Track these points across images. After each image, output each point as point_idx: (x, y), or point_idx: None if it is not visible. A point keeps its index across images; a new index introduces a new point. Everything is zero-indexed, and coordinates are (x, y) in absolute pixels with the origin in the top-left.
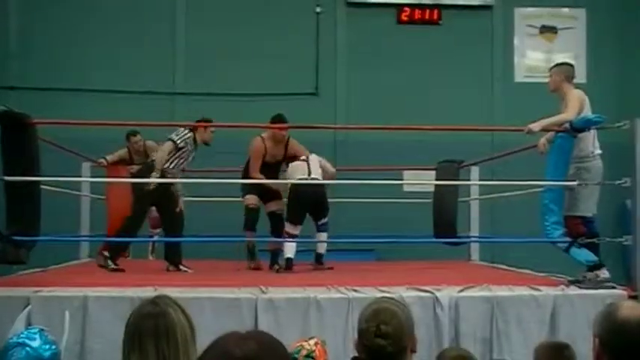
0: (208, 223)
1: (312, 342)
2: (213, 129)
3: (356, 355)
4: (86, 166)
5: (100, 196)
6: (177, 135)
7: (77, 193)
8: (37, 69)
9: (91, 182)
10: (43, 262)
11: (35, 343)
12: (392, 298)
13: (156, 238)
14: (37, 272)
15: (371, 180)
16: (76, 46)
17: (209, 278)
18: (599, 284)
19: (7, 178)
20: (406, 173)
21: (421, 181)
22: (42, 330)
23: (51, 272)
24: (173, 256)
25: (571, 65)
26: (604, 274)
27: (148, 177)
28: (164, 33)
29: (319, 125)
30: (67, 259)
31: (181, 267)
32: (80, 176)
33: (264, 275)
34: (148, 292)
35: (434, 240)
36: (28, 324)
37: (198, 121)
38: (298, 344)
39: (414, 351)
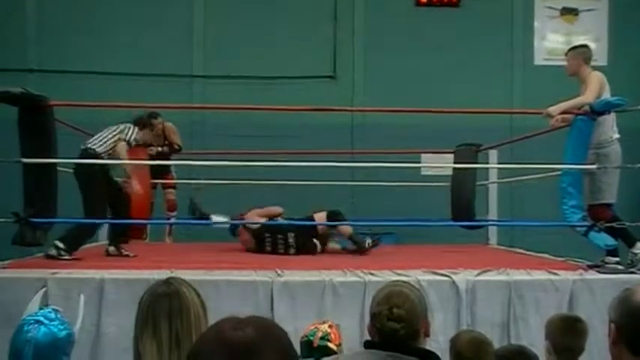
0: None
1: (325, 325)
2: None
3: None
4: None
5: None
6: (130, 134)
7: None
8: (56, 52)
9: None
10: None
11: (52, 322)
12: (405, 282)
13: (172, 220)
14: None
15: (389, 163)
16: (95, 29)
17: (225, 260)
18: (619, 269)
19: (24, 160)
20: (424, 157)
21: (439, 164)
22: (57, 311)
23: None
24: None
25: (588, 47)
26: (639, 248)
27: None
28: (182, 15)
29: (336, 108)
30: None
31: (123, 251)
32: None
33: (280, 258)
34: (164, 275)
35: (452, 223)
36: (45, 305)
37: None
38: (312, 327)
39: (427, 335)
